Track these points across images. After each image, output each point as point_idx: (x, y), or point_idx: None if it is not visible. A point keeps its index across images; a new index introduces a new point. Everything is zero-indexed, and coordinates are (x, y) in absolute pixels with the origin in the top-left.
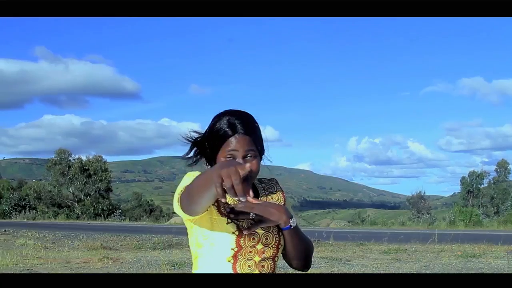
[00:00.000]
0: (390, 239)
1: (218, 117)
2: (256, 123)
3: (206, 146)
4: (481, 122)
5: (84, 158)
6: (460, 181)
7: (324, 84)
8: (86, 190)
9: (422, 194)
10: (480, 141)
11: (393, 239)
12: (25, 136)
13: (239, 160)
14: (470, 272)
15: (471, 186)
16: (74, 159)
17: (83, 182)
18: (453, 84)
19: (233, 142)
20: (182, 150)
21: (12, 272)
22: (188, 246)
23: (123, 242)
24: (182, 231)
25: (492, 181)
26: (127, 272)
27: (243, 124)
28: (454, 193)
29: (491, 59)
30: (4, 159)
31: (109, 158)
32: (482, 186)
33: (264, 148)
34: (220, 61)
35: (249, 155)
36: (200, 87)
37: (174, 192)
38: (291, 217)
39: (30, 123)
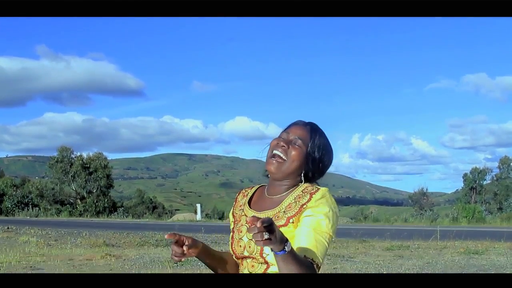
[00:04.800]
0: (393, 236)
1: None
2: (324, 136)
3: None
4: (485, 119)
5: (85, 155)
6: (463, 177)
7: (326, 80)
8: (88, 187)
9: (425, 191)
10: (484, 137)
11: (396, 236)
12: (27, 134)
13: (282, 141)
14: (471, 272)
15: (474, 182)
16: (75, 157)
17: (84, 180)
18: (457, 80)
19: (289, 127)
20: (184, 147)
21: (15, 270)
22: None
23: (126, 239)
24: (185, 228)
25: (495, 178)
26: (129, 269)
27: (308, 123)
28: (457, 190)
29: (495, 55)
30: (7, 156)
31: (112, 156)
32: (485, 182)
33: (324, 165)
34: (221, 58)
35: (295, 143)
36: (202, 84)
37: (176, 189)
38: (285, 241)
39: (32, 120)
